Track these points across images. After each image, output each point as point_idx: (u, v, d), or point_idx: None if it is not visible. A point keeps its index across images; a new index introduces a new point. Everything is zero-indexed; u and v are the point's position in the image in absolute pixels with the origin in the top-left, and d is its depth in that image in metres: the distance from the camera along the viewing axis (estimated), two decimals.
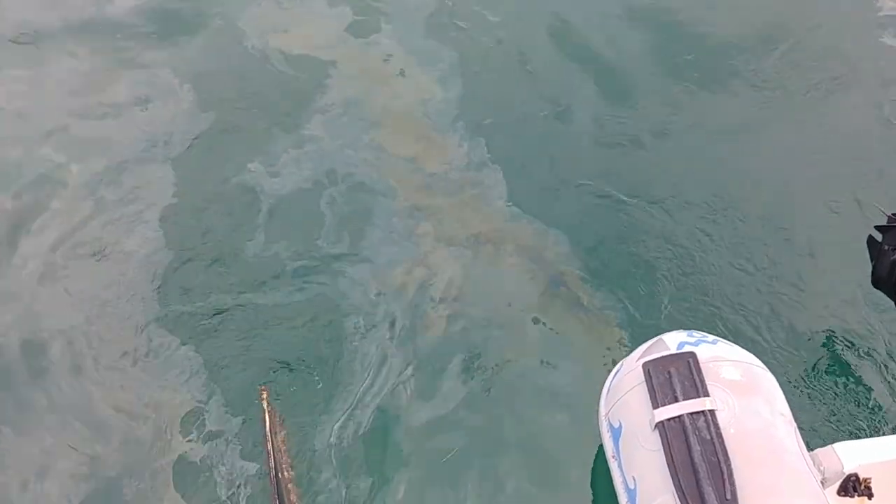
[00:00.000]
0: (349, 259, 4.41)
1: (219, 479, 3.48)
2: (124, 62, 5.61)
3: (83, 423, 3.80)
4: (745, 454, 2.44)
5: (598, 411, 2.94)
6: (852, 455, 2.66)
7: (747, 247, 4.28)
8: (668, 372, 2.67)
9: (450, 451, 3.61)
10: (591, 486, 3.36)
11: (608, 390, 2.91)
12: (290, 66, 5.59)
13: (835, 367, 3.62)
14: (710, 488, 2.36)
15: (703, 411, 2.52)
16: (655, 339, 2.92)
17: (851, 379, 3.58)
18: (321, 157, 4.94)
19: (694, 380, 2.62)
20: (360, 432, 3.64)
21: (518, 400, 3.75)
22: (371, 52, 5.68)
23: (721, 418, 2.51)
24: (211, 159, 4.94)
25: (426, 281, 4.30)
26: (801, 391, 3.46)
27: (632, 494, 2.59)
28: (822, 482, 2.58)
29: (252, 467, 3.45)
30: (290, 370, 3.85)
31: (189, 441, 3.66)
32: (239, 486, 3.43)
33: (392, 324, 4.10)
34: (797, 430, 2.61)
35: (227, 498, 3.40)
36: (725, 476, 2.37)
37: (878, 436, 3.31)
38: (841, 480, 2.68)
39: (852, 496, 2.69)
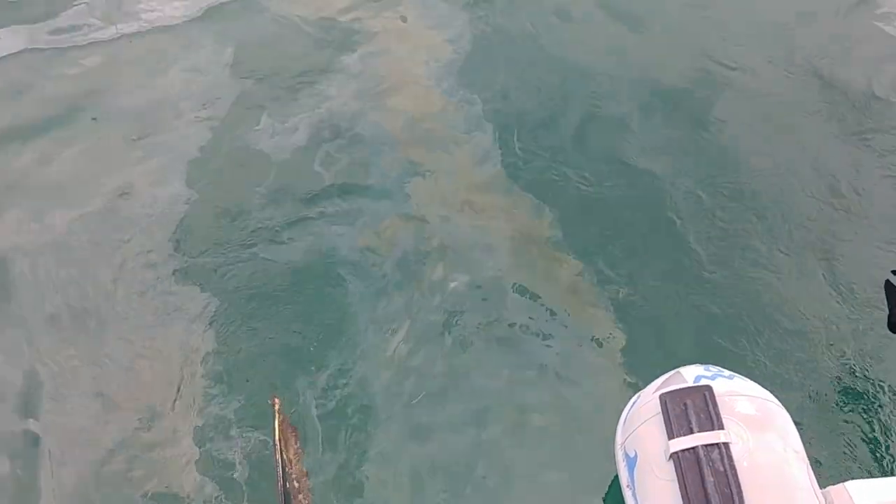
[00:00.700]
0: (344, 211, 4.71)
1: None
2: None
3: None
4: (757, 488, 2.50)
5: (614, 441, 3.01)
6: (864, 494, 2.69)
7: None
8: (685, 404, 2.73)
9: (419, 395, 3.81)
10: None
11: (625, 420, 2.98)
12: (312, 28, 5.96)
13: (849, 405, 3.65)
14: None
15: (717, 444, 2.59)
16: (673, 371, 2.99)
17: (866, 417, 3.62)
18: (330, 115, 5.28)
19: (709, 412, 2.69)
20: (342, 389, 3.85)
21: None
22: (388, 13, 6.07)
23: (735, 451, 2.57)
24: (232, 118, 5.28)
25: (417, 236, 4.55)
26: (815, 428, 3.51)
27: None
28: None
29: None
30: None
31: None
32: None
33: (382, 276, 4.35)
34: (809, 467, 2.66)
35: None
36: None
37: (891, 476, 3.35)
38: None
39: None
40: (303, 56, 5.76)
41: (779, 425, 2.71)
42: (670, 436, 2.67)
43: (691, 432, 2.64)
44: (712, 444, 2.59)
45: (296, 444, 3.54)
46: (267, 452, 3.56)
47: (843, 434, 3.54)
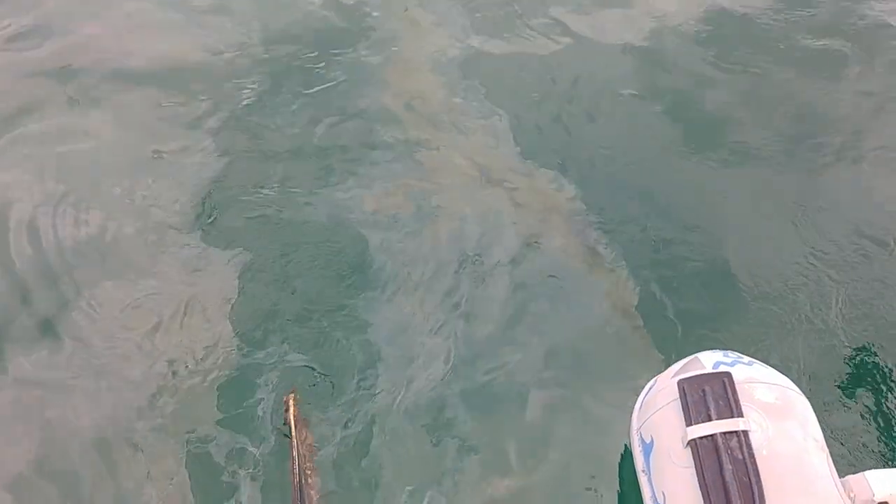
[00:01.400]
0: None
1: None
2: None
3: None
4: (776, 477, 2.46)
5: (629, 425, 2.98)
6: (884, 483, 2.66)
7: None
8: (703, 390, 2.70)
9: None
10: (619, 500, 3.39)
11: (641, 405, 2.95)
12: (334, 14, 6.03)
13: (871, 394, 3.61)
14: None
15: (736, 431, 2.55)
16: (691, 357, 2.95)
17: (888, 407, 3.57)
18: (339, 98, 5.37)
19: (728, 399, 2.65)
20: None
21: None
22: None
23: (754, 439, 2.54)
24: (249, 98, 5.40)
25: (423, 203, 4.69)
26: (835, 416, 3.47)
27: None
28: None
29: None
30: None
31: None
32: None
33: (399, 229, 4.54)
34: (829, 455, 2.63)
35: None
36: (756, 497, 2.41)
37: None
38: None
39: None
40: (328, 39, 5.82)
41: (798, 413, 2.67)
42: (688, 422, 2.64)
43: (710, 419, 2.61)
44: (731, 432, 2.55)
45: (310, 437, 3.55)
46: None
47: (865, 424, 3.50)
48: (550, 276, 4.26)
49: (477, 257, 4.38)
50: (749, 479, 2.45)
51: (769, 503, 2.39)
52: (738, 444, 2.53)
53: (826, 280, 4.14)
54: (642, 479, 2.79)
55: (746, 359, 2.89)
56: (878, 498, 2.66)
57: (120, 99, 5.38)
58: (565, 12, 5.94)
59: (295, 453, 3.37)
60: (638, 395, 3.03)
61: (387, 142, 5.07)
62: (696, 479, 2.53)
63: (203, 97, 5.35)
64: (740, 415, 2.60)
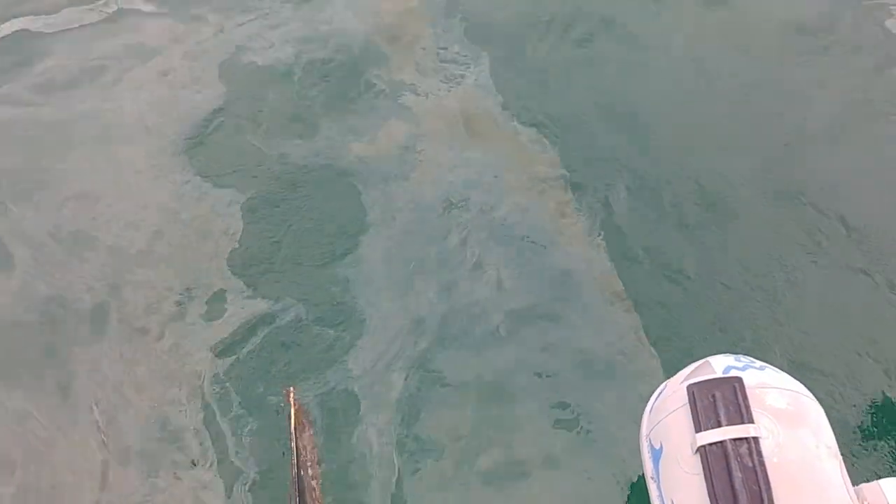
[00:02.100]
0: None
1: None
2: None
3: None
4: (787, 485, 2.41)
5: (639, 431, 2.93)
6: None
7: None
8: (713, 396, 2.65)
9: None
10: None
11: (650, 410, 2.90)
12: None
13: (886, 400, 3.54)
14: None
15: (746, 438, 2.50)
16: (701, 361, 2.90)
17: None
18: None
19: (739, 405, 2.60)
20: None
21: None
22: None
23: (765, 446, 2.48)
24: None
25: (408, 146, 5.00)
26: (849, 423, 3.40)
27: None
28: None
29: None
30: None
31: None
32: None
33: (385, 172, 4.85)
34: (842, 463, 2.57)
35: None
36: None
37: None
38: None
39: None
40: None
41: (811, 420, 2.61)
42: (697, 428, 2.59)
43: (719, 425, 2.56)
44: (741, 439, 2.50)
45: (309, 431, 3.55)
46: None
47: (879, 432, 3.44)
48: (529, 225, 4.52)
49: (462, 202, 4.68)
50: (759, 486, 2.40)
51: None
52: (748, 451, 2.47)
53: None
54: (651, 486, 2.74)
55: (758, 363, 2.83)
56: None
57: None
58: None
59: (293, 444, 3.37)
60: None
61: (372, 83, 5.39)
62: (704, 486, 2.48)
63: None
64: (751, 421, 2.54)
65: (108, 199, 4.81)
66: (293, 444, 3.35)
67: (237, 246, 4.54)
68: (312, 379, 3.90)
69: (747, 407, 2.59)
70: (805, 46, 5.48)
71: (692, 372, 2.85)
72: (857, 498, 2.53)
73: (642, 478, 2.88)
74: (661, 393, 2.93)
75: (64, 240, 4.60)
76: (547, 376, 3.87)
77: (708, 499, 2.44)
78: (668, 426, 2.72)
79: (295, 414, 3.46)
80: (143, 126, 5.27)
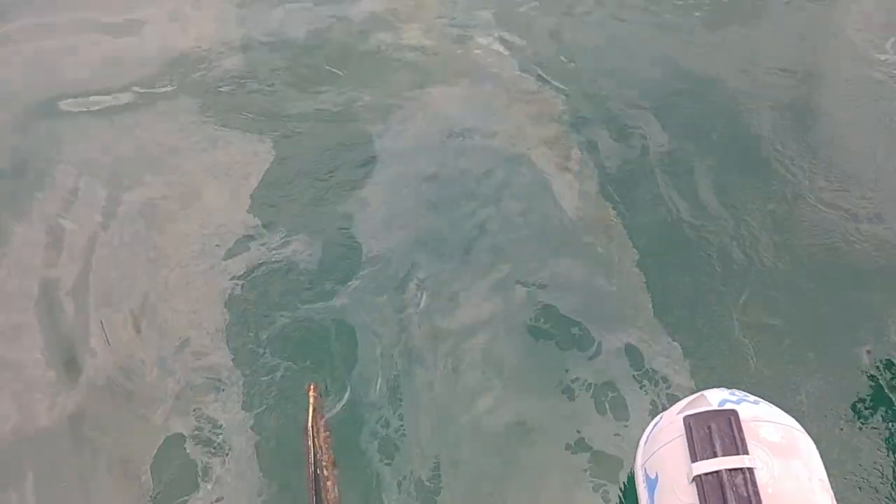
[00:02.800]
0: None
1: None
2: None
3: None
4: None
5: (634, 461, 2.98)
6: None
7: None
8: (709, 427, 2.70)
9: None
10: None
11: (646, 441, 2.95)
12: None
13: (874, 435, 3.60)
14: None
15: (741, 468, 2.55)
16: (697, 394, 2.96)
17: (892, 448, 3.56)
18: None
19: (734, 437, 2.65)
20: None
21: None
22: None
23: (759, 477, 2.54)
24: None
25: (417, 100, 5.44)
26: (838, 457, 3.46)
27: None
28: None
29: None
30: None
31: None
32: None
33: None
34: (834, 499, 2.62)
35: None
36: None
37: None
38: None
39: None
40: None
41: (803, 453, 2.68)
42: (693, 458, 2.64)
43: (715, 455, 2.61)
44: (736, 469, 2.55)
45: (326, 431, 3.58)
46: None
47: (868, 466, 3.49)
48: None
49: (466, 131, 5.12)
50: None
51: None
52: (743, 481, 2.53)
53: None
54: None
55: (752, 398, 2.90)
56: None
57: None
58: None
59: (310, 443, 3.38)
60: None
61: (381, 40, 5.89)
62: None
63: None
64: (746, 452, 2.60)
65: None
66: (310, 443, 3.36)
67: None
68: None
69: (742, 438, 2.65)
70: None
71: (688, 405, 2.91)
72: None
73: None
74: (656, 424, 2.98)
75: None
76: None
77: None
78: (664, 457, 2.77)
79: (313, 414, 3.48)
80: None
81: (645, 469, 2.85)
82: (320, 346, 4.08)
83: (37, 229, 4.74)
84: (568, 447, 3.64)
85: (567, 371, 3.91)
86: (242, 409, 3.84)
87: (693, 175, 4.81)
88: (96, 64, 5.83)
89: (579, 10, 6.13)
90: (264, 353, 4.03)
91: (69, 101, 5.55)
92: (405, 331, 4.12)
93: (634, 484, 2.95)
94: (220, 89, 5.58)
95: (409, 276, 4.39)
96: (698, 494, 2.55)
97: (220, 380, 3.98)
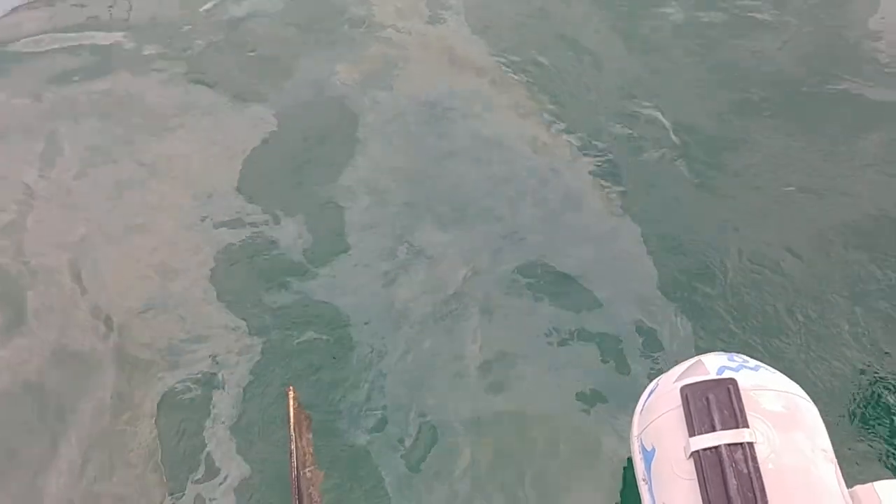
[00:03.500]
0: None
1: None
2: None
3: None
4: (782, 491, 2.36)
5: (630, 430, 2.88)
6: (893, 495, 2.56)
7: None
8: (707, 398, 2.58)
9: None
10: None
11: (642, 409, 2.84)
12: None
13: (882, 400, 3.50)
14: None
15: (741, 443, 2.45)
16: (694, 360, 2.84)
17: None
18: None
19: (733, 408, 2.54)
20: None
21: None
22: None
23: (760, 452, 2.43)
24: None
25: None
26: (844, 423, 3.36)
27: None
28: None
29: None
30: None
31: None
32: None
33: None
34: (838, 467, 2.53)
35: None
36: None
37: None
38: None
39: None
40: None
41: (807, 423, 2.56)
42: (691, 432, 2.53)
43: (714, 430, 2.50)
44: (736, 444, 2.45)
45: (308, 433, 3.52)
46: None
47: (874, 432, 3.40)
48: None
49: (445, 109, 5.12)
50: (754, 494, 2.35)
51: None
52: (742, 457, 2.42)
53: None
54: (643, 488, 2.69)
55: (752, 363, 2.77)
56: None
57: None
58: None
59: (293, 445, 3.33)
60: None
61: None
62: (699, 492, 2.43)
63: None
64: (746, 425, 2.49)
65: None
66: (292, 446, 3.31)
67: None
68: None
69: (742, 410, 2.53)
70: None
71: (685, 371, 2.79)
72: (853, 501, 2.50)
73: (633, 478, 2.84)
74: (652, 391, 2.86)
75: None
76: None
77: None
78: (661, 428, 2.66)
79: (294, 415, 3.42)
80: None
81: (641, 440, 2.75)
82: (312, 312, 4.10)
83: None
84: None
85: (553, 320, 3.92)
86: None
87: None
88: None
89: None
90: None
91: None
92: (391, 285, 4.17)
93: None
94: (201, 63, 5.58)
95: (397, 238, 4.41)
96: (696, 471, 2.45)
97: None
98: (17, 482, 3.69)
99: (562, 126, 4.88)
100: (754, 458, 2.42)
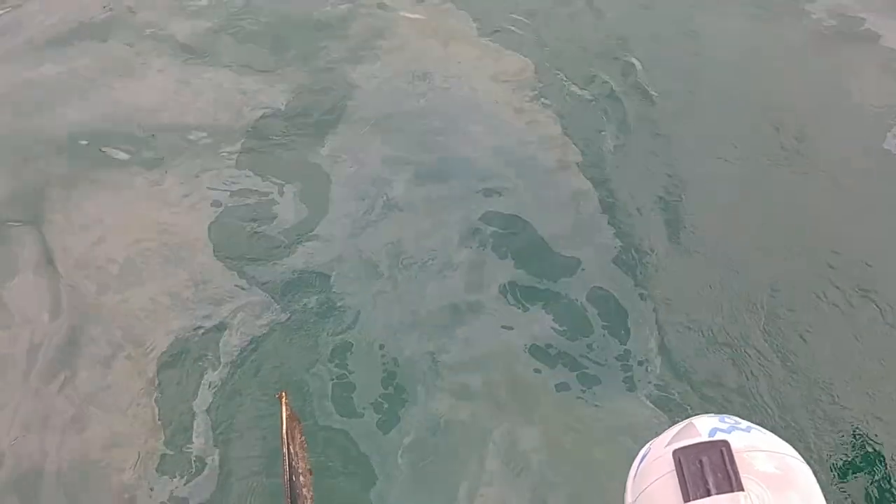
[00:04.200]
0: None
1: None
2: None
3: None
4: None
5: (623, 497, 2.83)
6: None
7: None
8: (700, 461, 2.56)
9: None
10: None
11: (635, 475, 2.80)
12: None
13: (873, 463, 3.49)
14: None
15: None
16: (686, 422, 2.82)
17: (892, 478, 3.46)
18: None
19: (727, 471, 2.51)
20: None
21: None
22: None
23: None
24: None
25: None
26: (837, 485, 3.34)
27: None
28: None
29: None
30: None
31: None
32: None
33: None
34: None
35: None
36: None
37: None
38: None
39: None
40: None
41: (801, 484, 2.54)
42: (686, 497, 2.49)
43: (708, 494, 2.46)
44: None
45: (301, 437, 3.52)
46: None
47: (867, 493, 3.39)
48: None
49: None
50: None
51: None
52: None
53: None
54: None
55: (744, 424, 2.75)
56: None
57: None
58: None
59: (285, 449, 3.30)
60: None
61: None
62: None
63: None
64: (741, 488, 2.45)
65: None
66: (285, 450, 3.29)
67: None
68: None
69: (735, 472, 2.50)
70: None
71: (676, 434, 2.77)
72: None
73: None
74: (645, 456, 2.83)
75: None
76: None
77: None
78: (655, 495, 2.62)
79: (287, 419, 3.41)
80: None
81: None
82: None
83: None
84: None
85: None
86: None
87: None
88: None
89: None
90: None
91: None
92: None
93: None
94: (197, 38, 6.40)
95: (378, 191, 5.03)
96: None
97: None
98: None
99: (543, 86, 5.38)
100: None
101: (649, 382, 4.17)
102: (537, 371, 3.94)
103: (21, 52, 6.50)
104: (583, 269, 4.34)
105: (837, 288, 4.46)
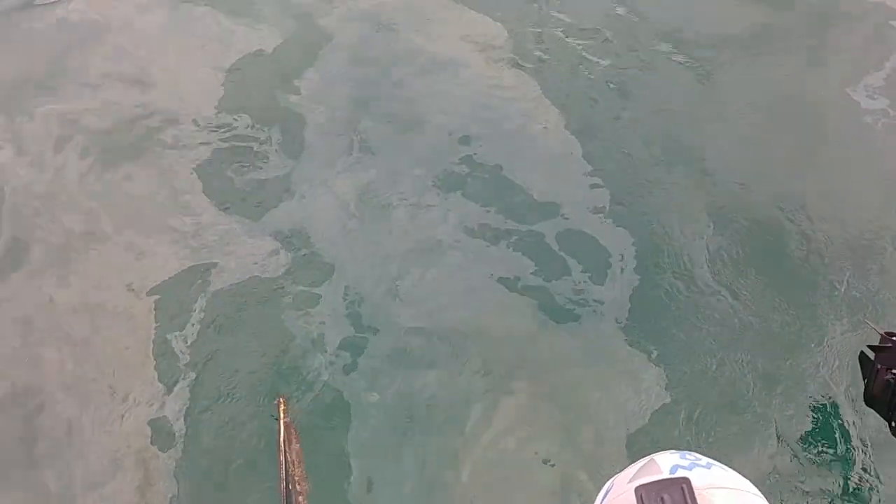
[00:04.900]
0: None
1: None
2: None
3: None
4: None
5: None
6: None
7: None
8: (662, 499, 2.57)
9: None
10: None
11: None
12: None
13: (835, 494, 3.52)
14: None
15: None
16: (647, 459, 2.83)
17: None
18: None
19: None
20: None
21: None
22: None
23: None
24: None
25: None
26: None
27: None
28: None
29: None
30: None
31: None
32: None
33: None
34: None
35: None
36: None
37: None
38: None
39: None
40: None
41: None
42: None
43: None
44: None
45: (297, 445, 3.49)
46: None
47: None
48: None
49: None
50: None
51: None
52: None
53: None
54: None
55: (704, 461, 2.77)
56: None
57: None
58: None
59: (282, 457, 3.28)
60: None
61: None
62: None
63: None
64: None
65: None
66: (281, 458, 3.28)
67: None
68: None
69: None
70: None
71: (638, 471, 2.78)
72: None
73: None
74: (608, 492, 2.84)
75: None
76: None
77: None
78: None
79: (284, 427, 3.41)
80: None
81: None
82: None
83: None
84: None
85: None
86: None
87: None
88: None
89: None
90: None
91: None
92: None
93: None
94: None
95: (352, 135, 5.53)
96: None
97: None
98: None
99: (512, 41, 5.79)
100: None
101: (615, 318, 4.41)
102: (505, 304, 4.26)
103: None
104: (561, 215, 4.66)
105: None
